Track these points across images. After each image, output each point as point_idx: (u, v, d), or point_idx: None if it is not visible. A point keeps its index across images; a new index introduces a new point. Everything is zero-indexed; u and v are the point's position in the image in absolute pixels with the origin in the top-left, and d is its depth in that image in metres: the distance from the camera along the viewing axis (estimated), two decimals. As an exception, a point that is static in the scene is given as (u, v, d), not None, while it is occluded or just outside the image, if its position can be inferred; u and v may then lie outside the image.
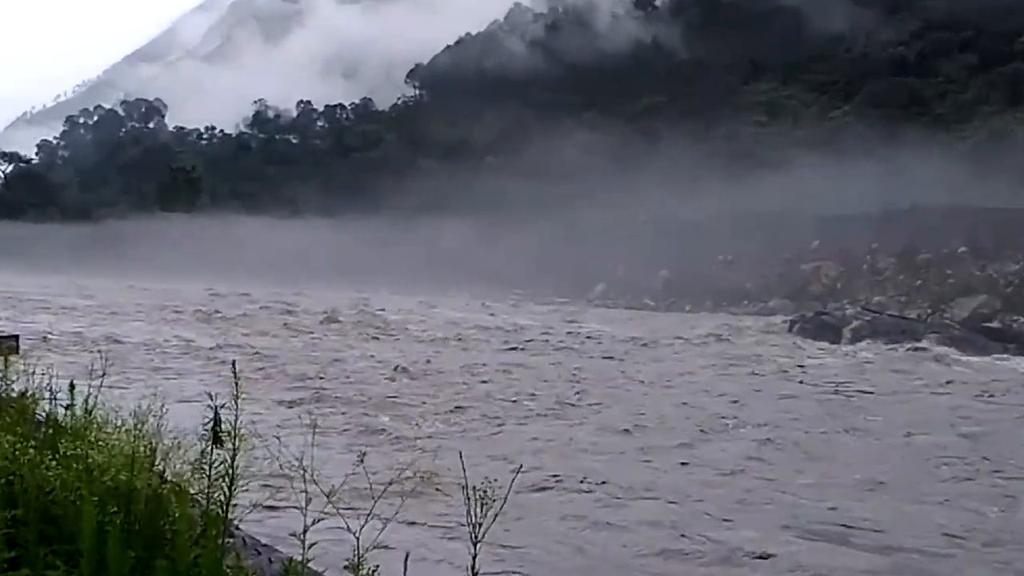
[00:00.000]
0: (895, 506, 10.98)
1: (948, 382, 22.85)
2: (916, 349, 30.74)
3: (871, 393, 20.61)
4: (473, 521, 3.48)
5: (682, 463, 12.97)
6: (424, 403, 17.36)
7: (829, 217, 57.21)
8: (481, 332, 34.45)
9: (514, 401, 18.24)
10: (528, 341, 31.68)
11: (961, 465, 13.29)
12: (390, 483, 4.67)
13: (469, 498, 3.48)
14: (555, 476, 11.35)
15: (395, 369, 22.33)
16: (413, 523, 8.72)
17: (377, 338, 32.18)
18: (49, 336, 27.61)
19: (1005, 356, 29.99)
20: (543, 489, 10.83)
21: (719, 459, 13.35)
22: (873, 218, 55.36)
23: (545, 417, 16.43)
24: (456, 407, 17.15)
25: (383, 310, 44.31)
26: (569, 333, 35.20)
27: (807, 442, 14.65)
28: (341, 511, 3.92)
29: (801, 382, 22.34)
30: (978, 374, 24.89)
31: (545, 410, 17.13)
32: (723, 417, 16.84)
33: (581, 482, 11.31)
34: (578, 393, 19.31)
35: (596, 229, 70.59)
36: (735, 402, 18.83)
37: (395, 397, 18.09)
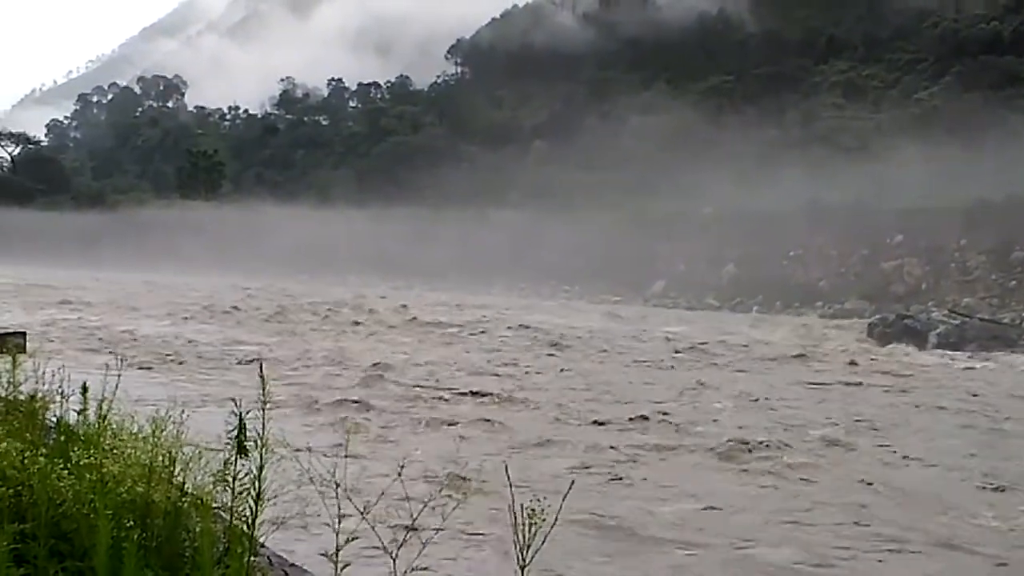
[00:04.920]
0: None
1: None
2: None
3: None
4: (521, 543, 3.46)
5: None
6: (490, 418, 17.26)
7: (913, 210, 56.59)
8: (529, 333, 34.42)
9: (559, 406, 18.14)
10: (599, 348, 31.55)
11: None
12: (430, 499, 4.66)
13: (516, 517, 3.45)
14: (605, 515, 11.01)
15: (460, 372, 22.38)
16: (455, 542, 8.70)
17: (420, 338, 32.28)
18: (59, 332, 27.89)
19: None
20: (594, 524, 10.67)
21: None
22: (962, 211, 54.68)
23: (624, 432, 16.20)
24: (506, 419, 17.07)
25: (405, 306, 44.37)
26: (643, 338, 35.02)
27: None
28: (376, 529, 3.92)
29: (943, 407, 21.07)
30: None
31: (619, 423, 16.81)
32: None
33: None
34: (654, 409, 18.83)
35: (655, 221, 70.35)
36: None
37: (440, 406, 18.05)
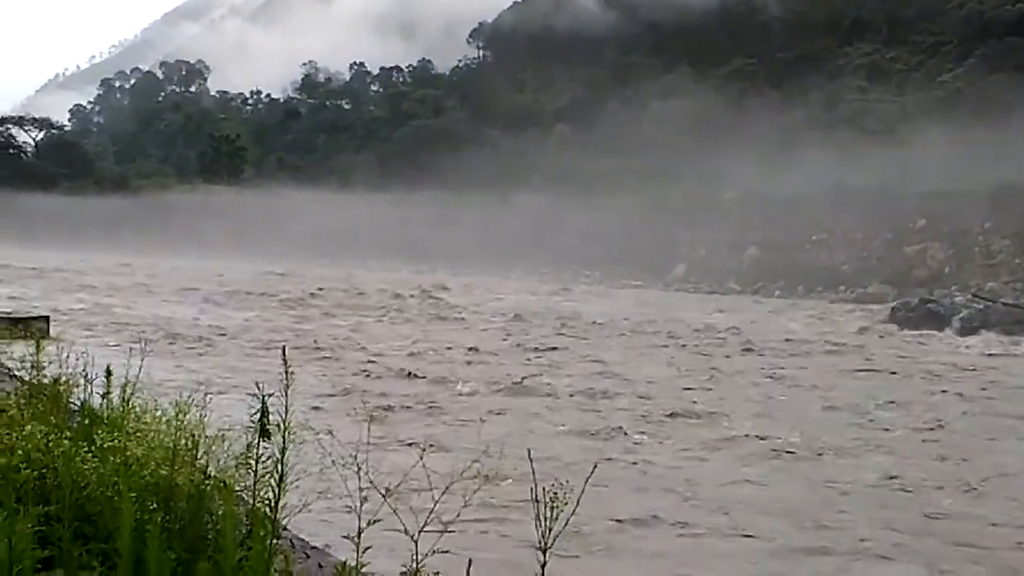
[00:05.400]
0: None
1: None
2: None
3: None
4: (543, 527, 3.46)
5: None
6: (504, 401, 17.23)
7: (937, 193, 56.25)
8: (547, 314, 34.44)
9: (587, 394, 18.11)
10: (620, 331, 31.56)
11: None
12: (452, 482, 4.67)
13: (538, 501, 3.46)
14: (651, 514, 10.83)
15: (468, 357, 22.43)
16: (477, 525, 8.73)
17: (443, 320, 32.38)
18: (82, 317, 28.05)
19: None
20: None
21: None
22: (986, 195, 54.32)
23: (664, 424, 16.09)
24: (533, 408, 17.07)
25: (447, 289, 44.44)
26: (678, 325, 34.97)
27: None
28: (398, 512, 3.93)
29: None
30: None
31: (662, 416, 16.64)
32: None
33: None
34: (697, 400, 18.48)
35: (676, 206, 70.20)
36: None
37: (461, 391, 18.07)
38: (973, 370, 23.68)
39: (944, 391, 19.78)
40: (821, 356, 25.85)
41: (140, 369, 5.31)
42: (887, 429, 15.51)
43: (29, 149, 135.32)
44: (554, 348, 25.45)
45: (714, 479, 12.08)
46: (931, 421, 16.26)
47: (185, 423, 4.39)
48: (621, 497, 10.76)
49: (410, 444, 12.50)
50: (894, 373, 22.78)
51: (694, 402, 17.37)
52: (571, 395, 17.97)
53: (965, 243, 53.04)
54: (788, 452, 13.68)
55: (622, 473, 12.10)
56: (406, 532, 3.83)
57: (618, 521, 9.98)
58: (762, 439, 14.42)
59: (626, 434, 14.51)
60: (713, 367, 22.56)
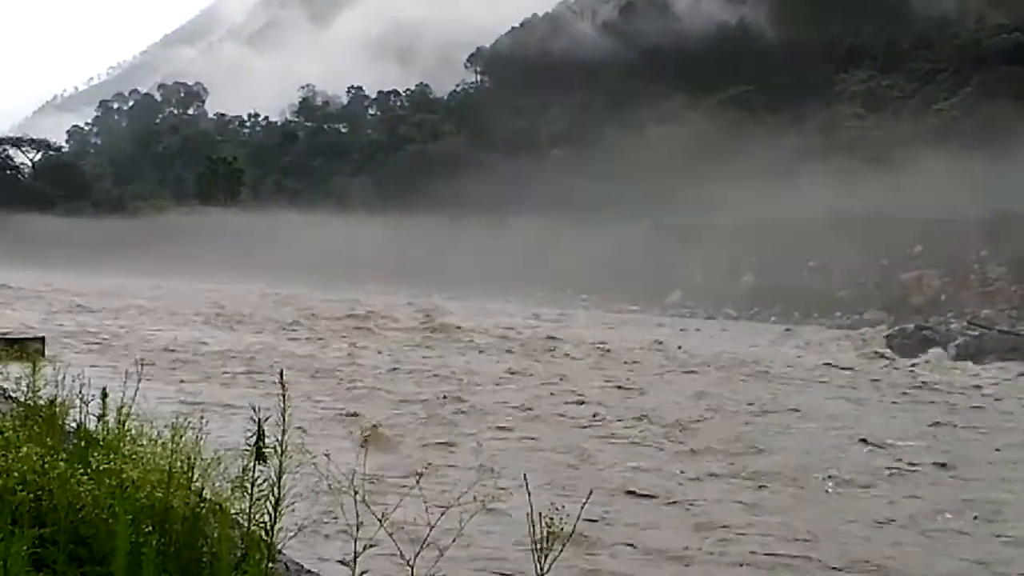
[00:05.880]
0: None
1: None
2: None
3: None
4: (538, 552, 3.45)
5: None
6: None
7: (933, 220, 56.41)
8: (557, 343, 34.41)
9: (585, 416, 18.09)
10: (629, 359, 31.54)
11: None
12: (448, 506, 4.66)
13: (534, 526, 3.45)
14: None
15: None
16: (472, 549, 8.70)
17: (433, 346, 32.32)
18: (79, 338, 27.99)
19: None
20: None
21: None
22: (982, 222, 54.50)
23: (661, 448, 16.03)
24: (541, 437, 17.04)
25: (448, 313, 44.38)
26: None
27: None
28: (394, 536, 3.92)
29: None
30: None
31: (658, 439, 16.52)
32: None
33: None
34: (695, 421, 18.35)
35: (673, 231, 70.28)
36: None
37: (458, 415, 18.04)
38: (976, 396, 23.66)
39: (955, 424, 19.60)
40: (819, 385, 25.74)
41: (136, 391, 5.29)
42: (899, 460, 15.38)
43: (26, 170, 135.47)
44: (528, 374, 25.44)
45: (745, 515, 11.84)
46: (939, 452, 16.13)
47: (181, 446, 4.38)
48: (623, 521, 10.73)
49: (407, 468, 12.46)
50: (895, 402, 22.70)
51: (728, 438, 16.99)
52: (571, 417, 18.00)
53: (961, 270, 53.13)
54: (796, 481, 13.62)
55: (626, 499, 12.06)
56: (402, 556, 3.82)
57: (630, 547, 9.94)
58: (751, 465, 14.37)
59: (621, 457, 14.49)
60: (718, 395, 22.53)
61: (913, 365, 31.32)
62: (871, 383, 26.01)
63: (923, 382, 26.67)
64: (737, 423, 18.42)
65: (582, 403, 19.96)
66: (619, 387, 23.11)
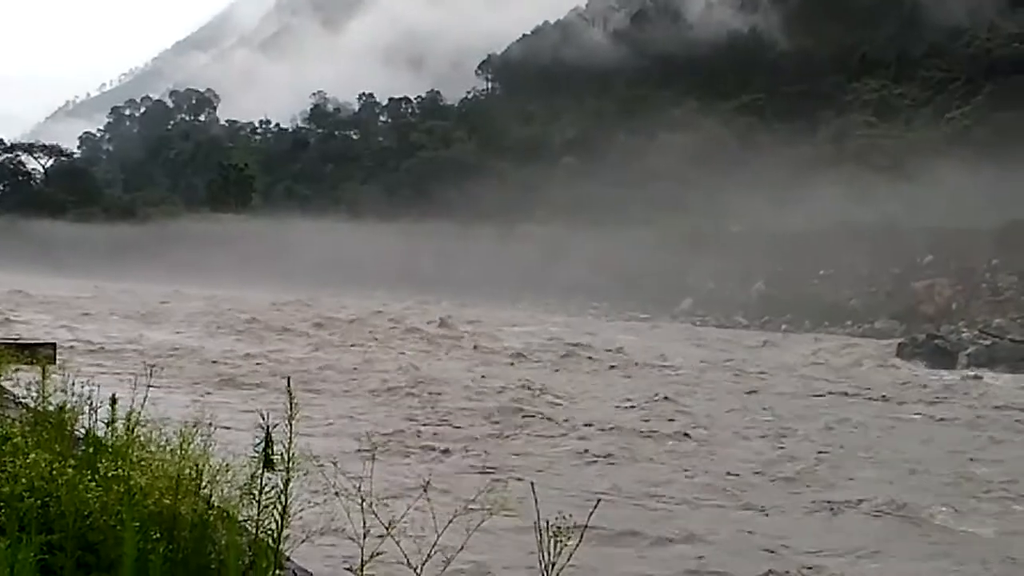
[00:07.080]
0: None
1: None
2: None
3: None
4: (545, 561, 3.45)
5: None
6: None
7: (944, 229, 56.32)
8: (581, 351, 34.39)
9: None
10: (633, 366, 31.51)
11: None
12: (456, 514, 4.65)
13: (541, 534, 3.44)
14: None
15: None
16: (481, 557, 8.70)
17: (450, 349, 32.33)
18: (90, 344, 28.04)
19: None
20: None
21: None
22: (993, 232, 54.39)
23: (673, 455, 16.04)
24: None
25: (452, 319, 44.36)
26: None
27: None
28: (401, 544, 3.91)
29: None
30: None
31: (663, 448, 16.51)
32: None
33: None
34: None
35: (683, 239, 70.24)
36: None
37: (467, 422, 18.05)
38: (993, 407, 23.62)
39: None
40: (833, 396, 25.61)
41: (145, 398, 5.30)
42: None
43: (38, 176, 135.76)
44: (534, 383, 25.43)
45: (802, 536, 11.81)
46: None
47: (189, 452, 4.38)
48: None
49: (415, 475, 12.47)
50: (918, 414, 22.59)
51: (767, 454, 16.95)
52: (580, 424, 17.98)
53: (972, 279, 53.00)
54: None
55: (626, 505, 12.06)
56: (409, 564, 3.81)
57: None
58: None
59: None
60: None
61: (929, 374, 31.13)
62: (881, 391, 25.98)
63: (930, 390, 26.56)
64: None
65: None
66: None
